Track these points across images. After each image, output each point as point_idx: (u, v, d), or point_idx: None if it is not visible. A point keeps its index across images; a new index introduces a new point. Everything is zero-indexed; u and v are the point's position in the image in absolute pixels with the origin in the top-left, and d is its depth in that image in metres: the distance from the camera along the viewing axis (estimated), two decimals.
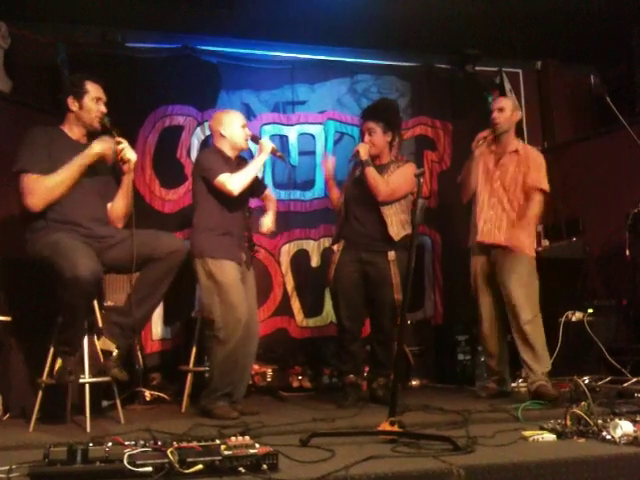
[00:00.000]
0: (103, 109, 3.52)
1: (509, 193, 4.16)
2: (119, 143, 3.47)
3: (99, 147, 3.36)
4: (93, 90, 3.49)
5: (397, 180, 4.14)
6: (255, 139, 3.95)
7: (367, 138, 4.18)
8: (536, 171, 4.14)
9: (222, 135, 3.84)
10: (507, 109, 4.19)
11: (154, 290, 3.42)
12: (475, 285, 4.25)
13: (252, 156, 4.49)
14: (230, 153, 3.86)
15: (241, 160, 3.97)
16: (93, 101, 3.48)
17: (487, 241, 4.14)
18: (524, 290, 4.00)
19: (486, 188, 4.22)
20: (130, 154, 3.49)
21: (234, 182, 3.65)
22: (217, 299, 3.62)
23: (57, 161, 3.35)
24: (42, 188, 3.27)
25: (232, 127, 3.84)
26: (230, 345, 3.58)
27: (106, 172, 3.60)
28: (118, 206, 3.58)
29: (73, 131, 3.52)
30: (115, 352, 3.31)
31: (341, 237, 4.23)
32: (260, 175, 4.65)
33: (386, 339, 4.13)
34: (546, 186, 4.13)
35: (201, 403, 3.67)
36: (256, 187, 3.99)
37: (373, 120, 4.20)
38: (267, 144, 3.84)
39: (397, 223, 4.12)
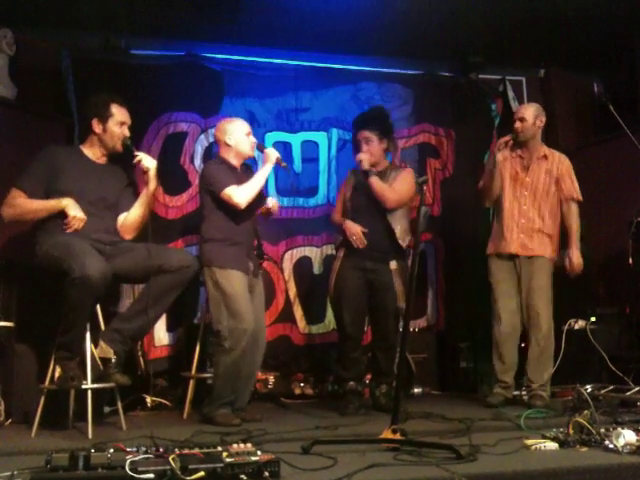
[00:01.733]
0: (127, 133, 3.57)
1: (540, 201, 4.19)
2: (135, 157, 3.52)
3: (74, 212, 3.32)
4: (118, 114, 3.54)
5: (402, 186, 4.17)
6: (260, 147, 3.96)
7: (365, 147, 4.18)
8: (571, 180, 4.21)
9: (227, 144, 3.85)
10: (529, 118, 4.21)
11: (158, 301, 3.45)
12: (497, 292, 4.19)
13: (256, 163, 4.52)
14: (235, 162, 3.87)
15: (247, 168, 3.98)
16: (117, 125, 3.54)
17: (521, 253, 4.14)
18: (548, 297, 4.09)
19: (515, 195, 4.22)
20: (148, 162, 3.53)
21: (240, 195, 3.67)
22: (224, 309, 3.62)
23: (67, 179, 3.41)
24: (16, 204, 3.37)
25: (237, 135, 3.85)
26: (235, 354, 3.58)
27: (120, 183, 3.64)
28: (133, 215, 3.61)
29: (94, 151, 3.58)
30: (114, 359, 3.32)
31: (343, 245, 4.21)
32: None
33: (389, 346, 4.15)
34: (580, 196, 4.22)
35: (203, 411, 3.67)
36: (258, 201, 4.03)
37: (368, 129, 4.20)
38: (272, 154, 3.85)
39: (402, 229, 4.17)
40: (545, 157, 4.24)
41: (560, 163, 4.24)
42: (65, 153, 3.54)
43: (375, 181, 4.10)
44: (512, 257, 4.19)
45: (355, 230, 4.07)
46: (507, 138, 4.20)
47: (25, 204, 3.37)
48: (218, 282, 3.65)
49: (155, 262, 3.40)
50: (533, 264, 4.13)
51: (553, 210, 4.22)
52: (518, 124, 4.21)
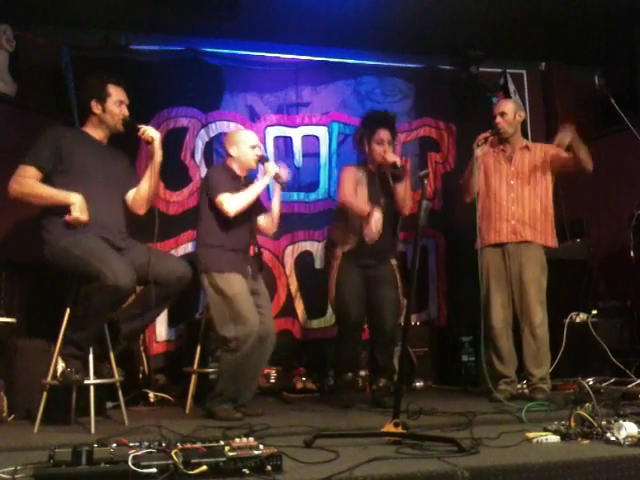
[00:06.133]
0: (125, 112, 3.58)
1: (528, 188, 4.17)
2: (138, 129, 3.52)
3: (78, 214, 3.26)
4: (115, 93, 3.55)
5: (412, 193, 4.23)
6: (262, 160, 3.92)
7: (388, 148, 4.12)
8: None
9: (231, 155, 3.88)
10: (509, 112, 4.22)
11: (151, 309, 3.51)
12: (487, 286, 4.19)
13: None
14: (239, 172, 3.88)
15: (248, 182, 3.97)
16: (116, 104, 3.54)
17: (513, 240, 4.13)
18: (539, 289, 4.07)
19: (502, 185, 4.22)
20: (152, 132, 3.52)
21: (232, 203, 3.66)
22: (227, 312, 3.61)
23: (76, 159, 3.41)
24: (26, 184, 3.32)
25: (241, 147, 3.86)
26: (239, 355, 3.58)
27: (125, 166, 3.67)
28: (143, 189, 3.60)
29: (96, 132, 3.58)
30: None
31: (343, 243, 4.19)
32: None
33: (388, 341, 4.14)
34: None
35: (206, 406, 3.68)
36: (260, 207, 4.05)
37: (389, 131, 4.17)
38: (271, 169, 3.84)
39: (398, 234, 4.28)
40: (527, 147, 4.26)
41: (543, 150, 4.24)
42: (71, 132, 3.56)
43: (402, 187, 4.09)
44: (502, 247, 4.17)
45: (379, 226, 4.03)
46: (486, 134, 4.19)
47: (34, 186, 3.32)
48: (218, 286, 3.64)
49: (150, 274, 3.42)
50: (523, 254, 4.11)
51: (542, 199, 4.20)
52: (499, 119, 4.22)
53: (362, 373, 4.69)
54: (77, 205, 3.26)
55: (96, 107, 3.52)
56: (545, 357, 4.08)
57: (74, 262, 3.24)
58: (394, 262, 4.20)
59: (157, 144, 3.53)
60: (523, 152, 4.24)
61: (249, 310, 3.62)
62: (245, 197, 3.72)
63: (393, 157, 4.04)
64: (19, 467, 2.20)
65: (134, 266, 3.39)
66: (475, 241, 4.27)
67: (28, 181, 3.33)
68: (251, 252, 3.96)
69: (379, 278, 4.12)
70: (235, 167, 3.87)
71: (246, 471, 2.14)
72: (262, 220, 4.02)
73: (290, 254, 5.30)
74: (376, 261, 4.13)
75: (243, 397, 3.72)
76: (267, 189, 5.04)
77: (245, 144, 3.86)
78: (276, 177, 3.84)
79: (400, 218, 4.26)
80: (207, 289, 3.70)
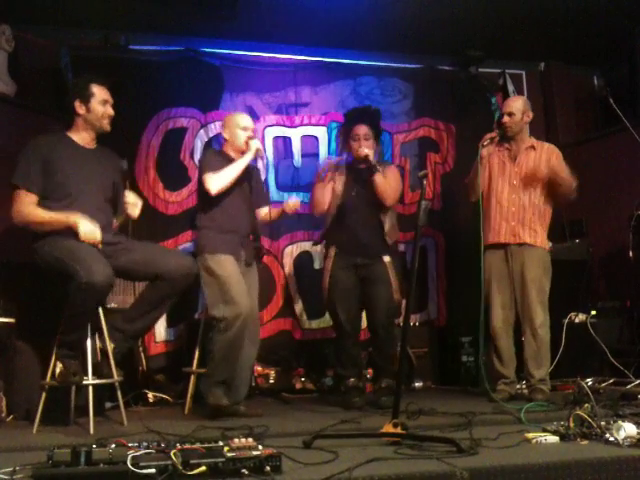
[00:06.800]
0: (110, 111, 3.55)
1: (530, 189, 4.14)
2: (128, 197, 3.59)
3: (86, 228, 3.26)
4: (99, 93, 3.51)
5: (396, 183, 4.20)
6: (247, 139, 3.90)
7: (365, 143, 4.12)
8: (565, 173, 4.13)
9: (224, 138, 3.93)
10: (517, 113, 4.18)
11: (157, 306, 3.54)
12: (488, 285, 4.16)
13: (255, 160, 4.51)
14: (234, 155, 3.87)
15: (252, 168, 3.98)
16: (100, 104, 3.51)
17: (512, 241, 4.11)
18: (540, 289, 4.05)
19: (504, 186, 4.20)
20: (131, 199, 3.58)
21: (213, 181, 3.68)
22: (218, 293, 3.64)
23: (60, 168, 3.39)
24: (25, 212, 3.33)
25: (232, 129, 3.89)
26: (229, 335, 3.59)
27: (114, 171, 3.65)
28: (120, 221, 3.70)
29: (81, 135, 3.54)
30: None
31: (333, 242, 4.20)
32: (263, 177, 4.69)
33: (382, 340, 4.12)
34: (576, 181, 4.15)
35: (200, 387, 3.74)
36: (260, 197, 4.05)
37: (368, 125, 4.16)
38: (253, 145, 3.85)
39: (390, 226, 4.19)
40: (533, 147, 4.22)
41: (550, 153, 4.19)
42: (54, 142, 3.48)
43: (380, 177, 4.06)
44: (504, 248, 4.16)
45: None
46: (492, 134, 4.18)
47: (33, 214, 3.32)
48: (210, 267, 3.67)
49: (153, 270, 3.44)
50: (524, 255, 4.09)
51: (543, 200, 4.18)
52: (506, 118, 4.19)
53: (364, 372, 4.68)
54: (79, 224, 3.25)
55: (80, 107, 3.48)
56: (545, 358, 4.08)
57: (56, 265, 3.26)
58: (387, 259, 4.13)
59: (138, 208, 3.59)
60: (528, 152, 4.21)
61: (239, 292, 3.63)
62: (226, 174, 3.72)
63: (364, 151, 4.05)
64: (18, 467, 2.20)
65: (137, 264, 3.43)
66: (478, 241, 4.25)
67: (27, 208, 3.33)
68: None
69: (372, 277, 4.09)
70: (230, 150, 3.89)
71: (245, 472, 2.14)
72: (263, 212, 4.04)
73: (289, 254, 5.30)
74: (367, 259, 4.11)
75: (237, 393, 3.73)
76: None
77: (237, 126, 3.88)
78: (257, 152, 3.84)
79: (398, 216, 4.25)
80: (201, 270, 3.71)
